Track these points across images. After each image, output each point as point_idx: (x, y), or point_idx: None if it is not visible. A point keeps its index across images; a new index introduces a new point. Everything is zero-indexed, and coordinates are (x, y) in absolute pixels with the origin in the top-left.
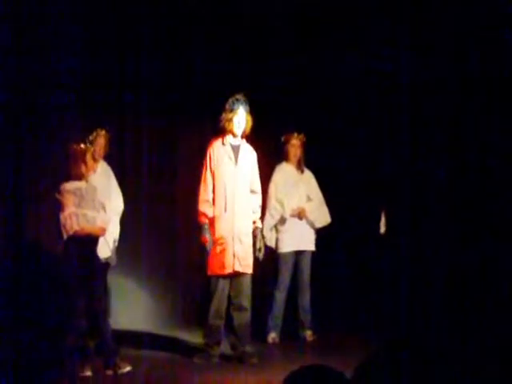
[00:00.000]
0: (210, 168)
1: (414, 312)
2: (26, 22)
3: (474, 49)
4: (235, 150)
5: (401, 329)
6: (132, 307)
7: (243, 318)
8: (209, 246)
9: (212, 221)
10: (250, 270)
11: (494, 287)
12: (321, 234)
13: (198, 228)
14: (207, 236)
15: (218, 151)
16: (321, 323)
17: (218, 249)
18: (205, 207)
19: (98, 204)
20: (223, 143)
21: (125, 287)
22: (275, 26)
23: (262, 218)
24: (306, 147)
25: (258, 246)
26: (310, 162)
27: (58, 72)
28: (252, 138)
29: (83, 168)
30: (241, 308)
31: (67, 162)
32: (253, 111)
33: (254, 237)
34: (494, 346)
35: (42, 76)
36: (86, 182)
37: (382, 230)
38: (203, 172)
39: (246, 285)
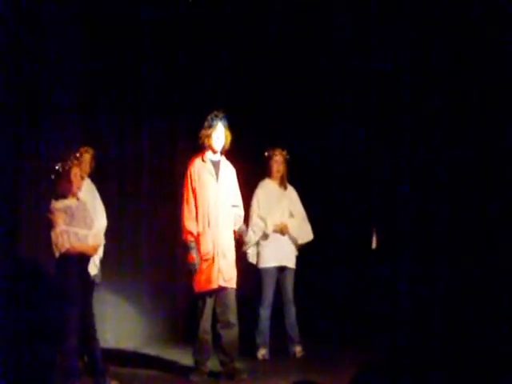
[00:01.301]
0: (192, 186)
1: (413, 325)
2: (25, 22)
3: (474, 48)
4: (216, 166)
5: (395, 342)
6: (118, 325)
7: (231, 334)
8: (197, 264)
9: (197, 238)
10: (233, 285)
11: (495, 292)
12: (311, 246)
13: (183, 247)
14: (194, 255)
15: (199, 168)
16: (310, 339)
17: (204, 265)
18: (190, 225)
19: (89, 222)
20: (203, 160)
21: (111, 305)
22: (275, 26)
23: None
24: (293, 159)
25: (246, 240)
26: (300, 172)
27: (58, 72)
28: (234, 151)
29: (70, 186)
30: (229, 324)
31: (54, 180)
32: (233, 126)
33: (240, 235)
34: (494, 357)
35: (42, 76)
36: (77, 199)
37: (374, 245)
38: (185, 191)
39: (232, 299)
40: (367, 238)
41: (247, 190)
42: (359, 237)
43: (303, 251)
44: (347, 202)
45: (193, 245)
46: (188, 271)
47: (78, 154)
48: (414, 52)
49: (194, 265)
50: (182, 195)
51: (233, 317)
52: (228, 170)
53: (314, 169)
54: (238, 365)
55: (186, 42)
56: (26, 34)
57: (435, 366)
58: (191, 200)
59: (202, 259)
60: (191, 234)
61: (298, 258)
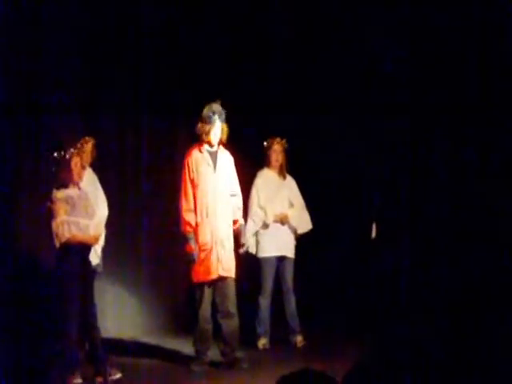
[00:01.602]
0: (189, 177)
1: (411, 316)
2: (25, 22)
3: (474, 49)
4: (213, 156)
5: (392, 334)
6: (119, 314)
7: (232, 324)
8: (195, 254)
9: (195, 228)
10: (232, 274)
11: (496, 288)
12: (312, 235)
13: (182, 237)
14: (193, 245)
15: (197, 159)
16: (311, 328)
17: (202, 255)
18: (188, 216)
19: (91, 211)
20: (201, 151)
21: (111, 294)
22: (275, 26)
23: (244, 221)
24: (293, 150)
25: (242, 242)
26: (301, 164)
27: (58, 72)
28: (233, 142)
29: (70, 175)
30: (229, 314)
31: (55, 169)
32: (231, 118)
33: (237, 234)
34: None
35: (41, 76)
36: (79, 189)
37: (373, 234)
38: (183, 183)
39: (231, 289)
40: (367, 228)
41: (247, 182)
42: (359, 227)
43: (304, 241)
44: (347, 193)
45: (191, 235)
46: (187, 261)
47: (78, 145)
48: (414, 51)
49: (192, 255)
50: (179, 186)
51: (232, 307)
52: (226, 159)
53: (314, 159)
54: (239, 354)
55: (185, 41)
56: (26, 33)
57: (433, 361)
58: (189, 191)
59: (200, 249)
60: (189, 224)
61: (299, 248)
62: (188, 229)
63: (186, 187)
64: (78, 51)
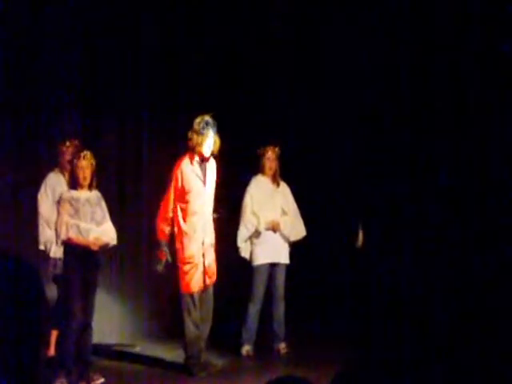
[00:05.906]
0: (176, 187)
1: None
2: (26, 21)
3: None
4: (203, 169)
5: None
6: (103, 318)
7: (207, 330)
8: (164, 261)
9: (181, 238)
10: (214, 278)
11: (496, 291)
12: (300, 243)
13: (156, 243)
14: (165, 251)
15: (187, 171)
16: (295, 335)
17: (189, 266)
18: (163, 225)
19: (99, 218)
20: (191, 163)
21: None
22: (274, 25)
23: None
24: (289, 157)
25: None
26: (290, 171)
27: (58, 72)
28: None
29: (77, 177)
30: (207, 321)
31: (73, 169)
32: (227, 125)
33: None
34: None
35: (41, 76)
36: (90, 192)
37: (360, 242)
38: (168, 191)
39: (212, 297)
40: (355, 236)
41: (240, 189)
42: (348, 234)
43: (294, 248)
44: (339, 200)
45: (164, 242)
46: (158, 265)
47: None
48: (414, 49)
49: (162, 261)
50: (165, 194)
51: (211, 313)
52: (213, 170)
53: (307, 165)
54: (211, 358)
55: (185, 41)
56: (26, 32)
57: (422, 365)
58: (171, 201)
59: (185, 262)
60: (163, 233)
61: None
62: (162, 236)
63: (169, 197)
64: (79, 50)
